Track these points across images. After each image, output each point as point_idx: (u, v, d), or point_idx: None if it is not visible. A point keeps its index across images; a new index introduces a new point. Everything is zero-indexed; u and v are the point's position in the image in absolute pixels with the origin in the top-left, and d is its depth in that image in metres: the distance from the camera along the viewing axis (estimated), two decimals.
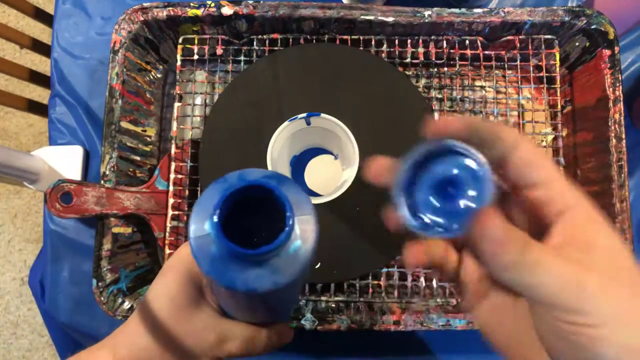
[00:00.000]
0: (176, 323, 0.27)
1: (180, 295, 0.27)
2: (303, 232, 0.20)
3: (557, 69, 0.50)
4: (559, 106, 0.50)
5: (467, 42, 0.50)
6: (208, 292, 0.28)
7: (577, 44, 0.49)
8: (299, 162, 0.48)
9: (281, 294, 0.21)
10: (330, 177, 0.46)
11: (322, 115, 0.37)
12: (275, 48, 0.49)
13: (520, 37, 0.49)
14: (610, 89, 0.47)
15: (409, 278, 0.46)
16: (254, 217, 0.21)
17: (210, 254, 0.19)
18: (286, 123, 0.37)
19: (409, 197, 0.21)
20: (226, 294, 0.23)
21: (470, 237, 0.19)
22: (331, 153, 0.49)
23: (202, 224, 0.19)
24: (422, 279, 0.46)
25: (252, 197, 0.19)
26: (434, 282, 0.46)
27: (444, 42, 0.49)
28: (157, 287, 0.28)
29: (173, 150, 0.48)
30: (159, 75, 0.52)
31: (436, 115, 0.50)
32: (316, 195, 0.43)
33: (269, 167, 0.35)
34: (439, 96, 0.51)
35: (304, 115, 0.37)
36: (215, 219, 0.18)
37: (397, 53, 0.49)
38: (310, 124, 0.39)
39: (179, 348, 0.27)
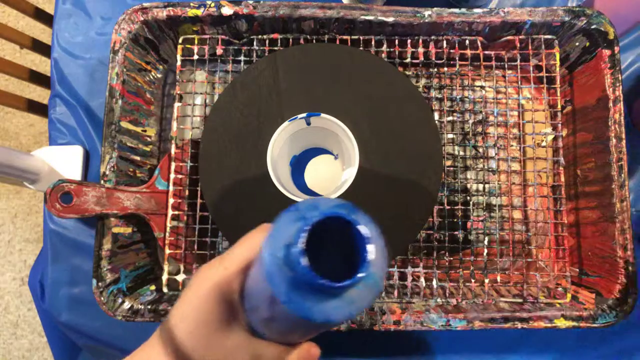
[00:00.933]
0: (207, 346, 0.26)
1: (211, 316, 0.26)
2: (376, 261, 0.19)
3: (557, 69, 0.50)
4: (559, 106, 0.50)
5: (467, 42, 0.50)
6: (240, 311, 0.27)
7: (577, 44, 0.49)
8: (299, 162, 0.49)
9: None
10: (330, 177, 0.46)
11: (322, 115, 0.37)
12: (275, 48, 0.49)
13: (520, 37, 0.49)
14: (610, 89, 0.47)
15: (409, 278, 0.46)
16: (321, 247, 0.20)
17: (289, 285, 0.19)
18: (286, 123, 0.36)
19: None
20: (279, 319, 0.22)
21: None
22: (331, 153, 0.49)
23: (277, 254, 0.19)
24: (422, 279, 0.46)
25: (323, 228, 0.19)
26: (434, 282, 0.46)
27: (444, 42, 0.49)
28: (184, 308, 0.26)
29: (173, 150, 0.48)
30: (159, 75, 0.52)
31: (436, 115, 0.50)
32: (316, 195, 0.43)
33: (269, 167, 0.35)
34: (439, 96, 0.51)
35: (304, 115, 0.36)
36: (301, 250, 0.18)
37: (397, 53, 0.49)
38: (310, 124, 0.39)
39: None
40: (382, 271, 0.20)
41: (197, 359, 0.25)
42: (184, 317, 0.26)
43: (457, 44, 0.50)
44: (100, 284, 0.44)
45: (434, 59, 0.50)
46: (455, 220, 0.49)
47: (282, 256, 0.19)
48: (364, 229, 0.19)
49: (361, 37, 0.49)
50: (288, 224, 0.20)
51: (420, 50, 0.49)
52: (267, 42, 0.50)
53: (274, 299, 0.20)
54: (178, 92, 0.50)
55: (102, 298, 0.44)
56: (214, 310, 0.26)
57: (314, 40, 0.50)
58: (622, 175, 0.45)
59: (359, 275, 0.18)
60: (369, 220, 0.20)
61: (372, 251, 0.19)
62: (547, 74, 0.50)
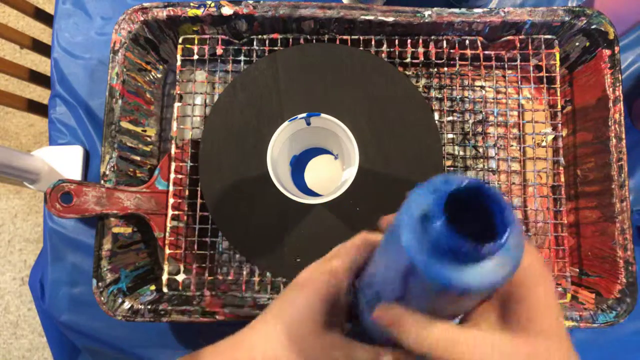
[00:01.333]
0: (315, 339, 0.27)
1: (321, 312, 0.27)
2: (514, 231, 0.20)
3: (557, 69, 0.50)
4: (559, 106, 0.50)
5: (467, 42, 0.50)
6: (341, 313, 0.28)
7: (577, 43, 0.49)
8: (299, 162, 0.48)
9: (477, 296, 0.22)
10: (330, 177, 0.46)
11: (322, 115, 0.37)
12: (275, 48, 0.49)
13: (520, 37, 0.49)
14: (610, 89, 0.47)
15: None
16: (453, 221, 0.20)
17: (428, 252, 0.19)
18: (286, 123, 0.36)
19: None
20: (413, 296, 0.22)
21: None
22: (331, 153, 0.49)
23: (415, 222, 0.20)
24: None
25: (455, 202, 0.20)
26: None
27: (444, 42, 0.49)
28: (299, 302, 0.27)
29: (173, 150, 0.48)
30: (159, 75, 0.53)
31: (436, 115, 0.50)
32: (316, 195, 0.43)
33: (269, 167, 0.35)
34: (439, 96, 0.51)
35: (304, 115, 0.36)
36: (442, 213, 0.19)
37: (397, 53, 0.49)
38: (310, 124, 0.39)
39: None
40: (519, 247, 0.20)
41: (312, 352, 0.26)
42: (299, 311, 0.27)
43: (457, 44, 0.50)
44: (100, 284, 0.44)
45: (434, 59, 0.50)
46: None
47: (420, 224, 0.20)
48: (502, 200, 0.19)
49: (361, 37, 0.49)
50: (422, 197, 0.21)
51: (420, 50, 0.49)
52: (267, 42, 0.50)
53: (411, 271, 0.20)
54: (178, 92, 0.50)
55: (102, 298, 0.44)
56: (323, 308, 0.27)
57: (314, 40, 0.50)
58: (622, 175, 0.45)
59: (501, 240, 0.19)
60: (501, 195, 0.20)
61: (510, 219, 0.19)
62: (547, 74, 0.50)
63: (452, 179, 0.20)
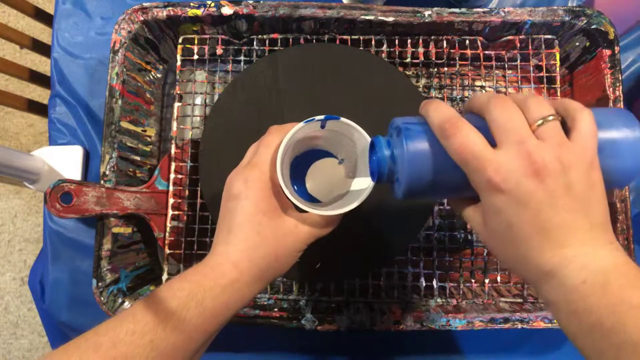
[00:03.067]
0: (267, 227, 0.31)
1: (270, 206, 0.31)
2: (398, 167, 0.29)
3: (557, 69, 0.50)
4: None
5: (467, 42, 0.50)
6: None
7: (577, 43, 0.49)
8: (300, 164, 0.47)
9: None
10: (334, 182, 0.44)
11: (342, 119, 0.35)
12: (275, 48, 0.49)
13: (520, 37, 0.49)
14: (611, 89, 0.47)
15: (409, 278, 0.46)
16: None
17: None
18: (301, 124, 0.34)
19: None
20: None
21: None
22: (334, 156, 0.47)
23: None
24: (422, 279, 0.46)
25: None
26: (434, 282, 0.46)
27: (444, 42, 0.49)
28: (244, 202, 0.31)
29: (173, 150, 0.48)
30: (159, 75, 0.52)
31: None
32: (315, 200, 0.41)
33: (279, 176, 0.32)
34: (439, 96, 0.51)
35: (321, 117, 0.34)
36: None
37: (397, 53, 0.49)
38: (325, 127, 0.37)
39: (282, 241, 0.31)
40: (402, 168, 0.28)
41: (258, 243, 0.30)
42: (258, 208, 0.31)
43: (457, 44, 0.50)
44: (100, 284, 0.44)
45: (434, 58, 0.50)
46: (455, 220, 0.49)
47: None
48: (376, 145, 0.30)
49: (361, 37, 0.49)
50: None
51: (420, 50, 0.49)
52: (267, 42, 0.50)
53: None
54: (178, 92, 0.50)
55: (102, 298, 0.44)
56: (271, 200, 0.31)
57: (314, 40, 0.50)
58: None
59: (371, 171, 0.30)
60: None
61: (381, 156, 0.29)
62: (547, 74, 0.50)
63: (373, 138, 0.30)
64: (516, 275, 0.26)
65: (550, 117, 0.25)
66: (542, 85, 0.50)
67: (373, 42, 0.49)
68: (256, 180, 0.31)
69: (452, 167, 0.27)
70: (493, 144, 0.26)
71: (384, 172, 0.29)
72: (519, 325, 0.43)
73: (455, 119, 0.26)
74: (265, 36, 0.50)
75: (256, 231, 0.30)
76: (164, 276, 0.46)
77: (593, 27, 0.47)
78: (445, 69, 0.50)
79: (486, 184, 0.25)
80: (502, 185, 0.25)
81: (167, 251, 0.47)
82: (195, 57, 0.50)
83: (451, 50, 0.50)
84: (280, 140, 0.32)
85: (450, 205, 0.30)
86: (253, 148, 0.34)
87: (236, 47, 0.51)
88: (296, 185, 0.39)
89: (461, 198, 0.30)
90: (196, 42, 0.50)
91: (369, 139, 0.33)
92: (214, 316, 0.29)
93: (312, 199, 0.39)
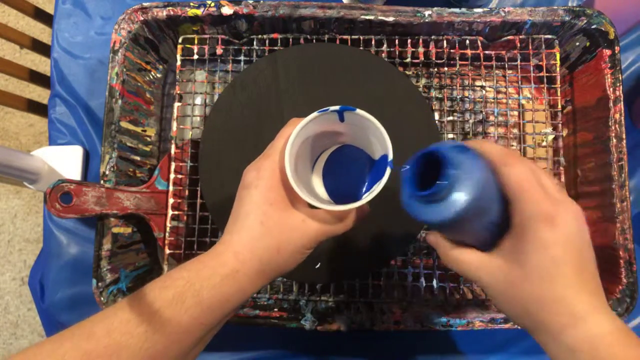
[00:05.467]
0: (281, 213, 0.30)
1: (279, 197, 0.30)
2: (457, 177, 0.26)
3: (558, 69, 0.50)
4: (560, 106, 0.50)
5: (467, 42, 0.50)
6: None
7: (577, 43, 0.49)
8: (334, 161, 0.42)
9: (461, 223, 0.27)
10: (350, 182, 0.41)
11: (358, 111, 0.33)
12: (275, 48, 0.49)
13: (520, 36, 0.49)
14: (611, 89, 0.46)
15: (409, 278, 0.46)
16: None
17: (413, 201, 0.28)
18: (315, 114, 0.32)
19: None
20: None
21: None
22: (366, 153, 0.43)
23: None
24: (422, 279, 0.46)
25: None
26: (434, 282, 0.46)
27: (444, 42, 0.49)
28: (261, 193, 0.30)
29: (173, 150, 0.48)
30: (158, 75, 0.52)
31: (436, 115, 0.50)
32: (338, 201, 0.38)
33: (286, 159, 0.30)
34: (439, 96, 0.51)
35: (336, 108, 0.33)
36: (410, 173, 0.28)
37: (397, 53, 0.49)
38: (345, 121, 0.35)
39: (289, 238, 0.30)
40: (467, 192, 0.26)
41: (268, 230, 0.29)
42: (270, 202, 0.30)
43: (457, 44, 0.50)
44: (100, 284, 0.44)
45: (434, 58, 0.50)
46: None
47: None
48: (448, 156, 0.26)
49: (361, 37, 0.49)
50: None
51: (421, 50, 0.49)
52: (267, 41, 0.50)
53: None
54: (178, 92, 0.50)
55: (102, 298, 0.44)
56: (280, 192, 0.30)
57: (314, 40, 0.50)
58: (623, 175, 0.45)
59: (441, 183, 0.25)
60: (464, 157, 0.26)
61: (450, 173, 0.25)
62: (547, 74, 0.50)
63: (428, 148, 0.27)
64: (531, 324, 0.25)
65: None
66: (542, 85, 0.50)
67: (373, 42, 0.49)
68: (267, 169, 0.30)
69: (493, 201, 0.27)
70: None
71: (442, 188, 0.26)
72: (519, 325, 0.43)
73: (515, 152, 0.28)
74: (265, 36, 0.50)
75: (260, 221, 0.29)
76: None
77: (593, 27, 0.47)
78: (445, 69, 0.50)
79: (541, 215, 0.26)
80: (558, 219, 0.25)
81: (167, 251, 0.47)
82: (195, 57, 0.50)
83: (451, 50, 0.50)
84: None
85: (449, 259, 0.30)
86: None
87: (236, 47, 0.51)
88: (327, 184, 0.37)
89: (473, 240, 0.30)
90: (196, 42, 0.50)
91: (386, 138, 0.32)
92: (211, 309, 0.28)
93: (340, 199, 0.37)
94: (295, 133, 0.30)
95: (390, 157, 0.31)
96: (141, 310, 0.26)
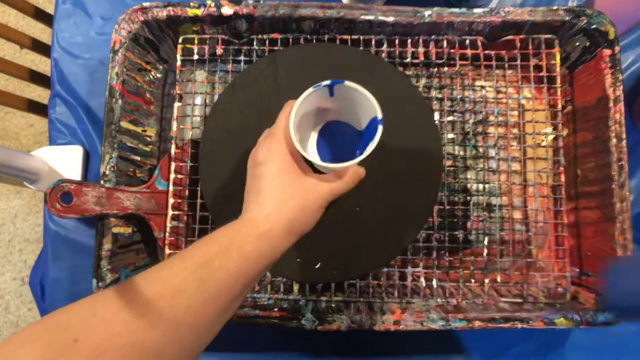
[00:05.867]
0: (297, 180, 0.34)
1: (293, 168, 0.34)
2: None
3: (558, 69, 0.50)
4: (560, 106, 0.50)
5: (467, 41, 0.49)
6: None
7: (577, 43, 0.49)
8: (323, 136, 0.45)
9: None
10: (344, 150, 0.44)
11: (346, 82, 0.36)
12: (275, 48, 0.49)
13: (520, 36, 0.49)
14: (611, 89, 0.46)
15: (409, 278, 0.46)
16: None
17: None
18: (310, 90, 0.36)
19: None
20: None
21: None
22: (353, 127, 0.46)
23: None
24: (422, 279, 0.46)
25: None
26: (434, 282, 0.46)
27: (444, 42, 0.49)
28: (270, 165, 0.34)
29: (173, 150, 0.48)
30: (159, 75, 0.52)
31: (436, 115, 0.50)
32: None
33: (291, 130, 0.34)
34: (439, 96, 0.51)
35: (328, 82, 0.36)
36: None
37: (397, 53, 0.49)
38: (334, 95, 0.38)
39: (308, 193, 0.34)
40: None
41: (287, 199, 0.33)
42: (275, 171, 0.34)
43: (457, 44, 0.50)
44: (100, 283, 0.44)
45: (434, 58, 0.50)
46: (455, 220, 0.49)
47: None
48: None
49: (361, 37, 0.49)
50: None
51: (421, 50, 0.49)
52: (267, 41, 0.50)
53: None
54: (178, 92, 0.50)
55: None
56: (292, 164, 0.34)
57: (314, 40, 0.50)
58: (622, 175, 0.45)
59: None
60: None
61: None
62: (547, 74, 0.50)
63: None
64: None
65: None
66: (543, 85, 0.50)
67: (373, 42, 0.49)
68: (277, 145, 0.34)
69: None
70: None
71: None
72: (519, 325, 0.43)
73: None
74: (265, 36, 0.50)
75: (283, 188, 0.33)
76: None
77: (593, 27, 0.47)
78: (445, 69, 0.50)
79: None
80: None
81: (167, 251, 0.47)
82: (195, 57, 0.50)
83: (451, 50, 0.50)
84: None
85: None
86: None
87: (236, 47, 0.51)
88: (322, 156, 0.41)
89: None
90: (196, 42, 0.50)
91: (374, 103, 0.35)
92: (251, 260, 0.31)
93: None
94: (295, 108, 0.34)
95: (380, 117, 0.35)
96: (195, 260, 0.29)
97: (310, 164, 0.36)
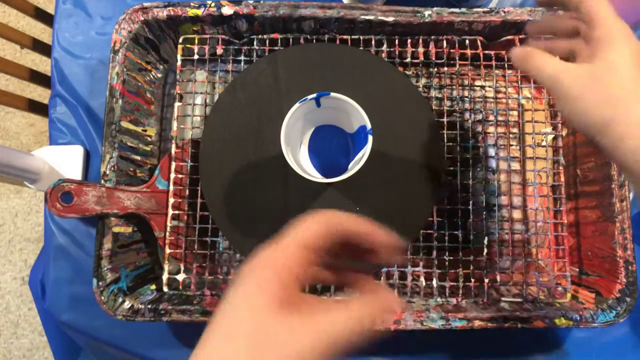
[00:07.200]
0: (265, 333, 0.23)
1: (267, 302, 0.24)
2: None
3: None
4: None
5: (467, 41, 0.50)
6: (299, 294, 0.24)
7: None
8: (315, 139, 0.46)
9: None
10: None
11: (332, 94, 0.37)
12: (276, 48, 0.49)
13: (520, 36, 0.49)
14: None
15: (409, 278, 0.46)
16: None
17: None
18: (297, 105, 0.36)
19: None
20: None
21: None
22: (345, 131, 0.47)
23: None
24: (422, 279, 0.46)
25: None
26: (434, 282, 0.46)
27: (444, 41, 0.49)
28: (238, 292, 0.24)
29: (173, 149, 0.48)
30: (159, 75, 0.53)
31: (436, 115, 0.50)
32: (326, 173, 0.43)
33: (283, 145, 0.34)
34: (439, 96, 0.51)
35: (314, 95, 0.37)
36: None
37: (397, 53, 0.49)
38: (321, 105, 0.39)
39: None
40: None
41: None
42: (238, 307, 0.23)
43: (457, 44, 0.50)
44: (100, 283, 0.44)
45: (434, 58, 0.50)
46: (455, 220, 0.49)
47: None
48: None
49: (361, 37, 0.49)
50: None
51: (420, 50, 0.49)
52: (267, 41, 0.50)
53: None
54: (178, 91, 0.50)
55: (103, 297, 0.44)
56: (271, 297, 0.23)
57: (314, 40, 0.50)
58: (622, 175, 0.45)
59: None
60: None
61: None
62: None
63: None
64: (607, 113, 0.29)
65: None
66: (542, 85, 0.50)
67: (373, 42, 0.49)
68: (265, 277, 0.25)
69: None
70: None
71: None
72: (519, 325, 0.43)
73: None
74: (265, 36, 0.50)
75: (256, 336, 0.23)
76: (164, 275, 0.47)
77: None
78: (445, 68, 0.50)
79: (621, 29, 0.34)
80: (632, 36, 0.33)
81: (168, 251, 0.47)
82: (196, 57, 0.50)
83: (451, 50, 0.50)
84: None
85: (533, 64, 0.35)
86: None
87: (236, 47, 0.51)
88: (313, 163, 0.42)
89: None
90: (196, 42, 0.50)
91: (362, 112, 0.35)
92: None
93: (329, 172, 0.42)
94: (284, 126, 0.35)
95: (369, 126, 0.35)
96: None
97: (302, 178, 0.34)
